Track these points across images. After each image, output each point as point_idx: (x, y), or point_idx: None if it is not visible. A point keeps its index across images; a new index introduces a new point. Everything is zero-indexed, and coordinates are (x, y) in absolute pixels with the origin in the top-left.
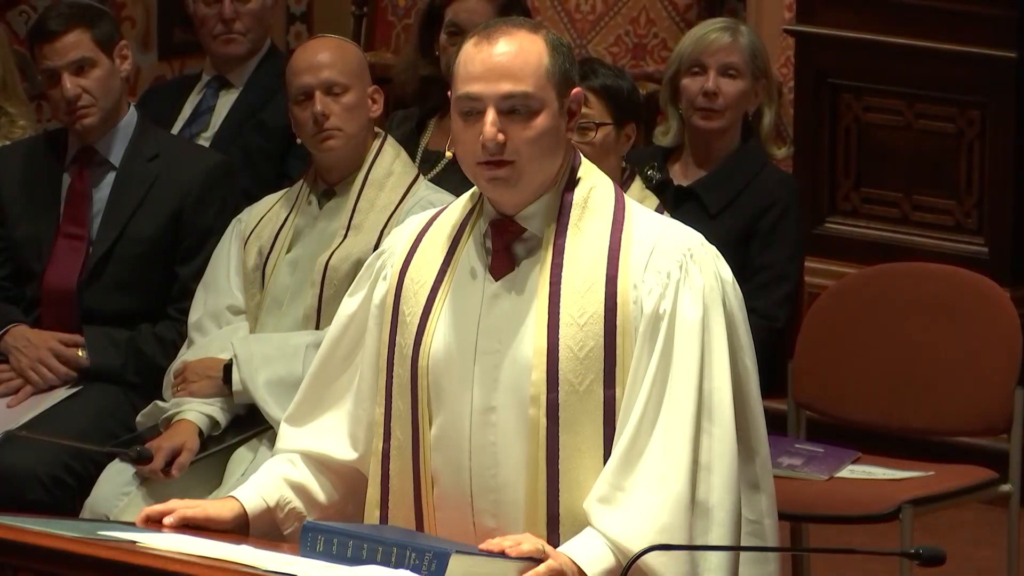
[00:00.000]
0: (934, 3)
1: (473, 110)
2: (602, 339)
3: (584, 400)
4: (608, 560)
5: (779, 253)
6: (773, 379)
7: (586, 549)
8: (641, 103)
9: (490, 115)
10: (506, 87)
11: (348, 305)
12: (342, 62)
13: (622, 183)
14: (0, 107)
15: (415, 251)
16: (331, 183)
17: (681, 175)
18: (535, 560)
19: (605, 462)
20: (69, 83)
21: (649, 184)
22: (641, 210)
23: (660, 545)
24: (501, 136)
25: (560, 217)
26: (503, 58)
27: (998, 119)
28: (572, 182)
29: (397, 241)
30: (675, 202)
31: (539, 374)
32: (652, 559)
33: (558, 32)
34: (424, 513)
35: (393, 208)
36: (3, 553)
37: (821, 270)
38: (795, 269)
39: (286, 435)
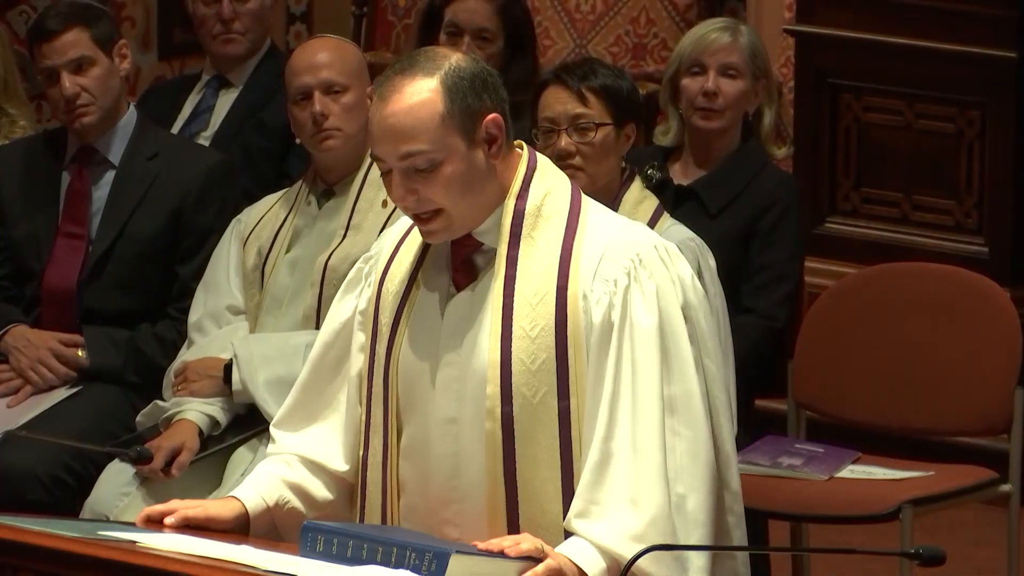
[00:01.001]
0: (934, 3)
1: (386, 169)
2: (554, 351)
3: (538, 412)
4: (603, 562)
5: (779, 253)
6: (773, 379)
7: (582, 549)
8: (641, 103)
9: (395, 177)
10: (401, 148)
11: (339, 311)
12: (341, 62)
13: (622, 183)
14: (1, 107)
15: (394, 258)
16: (330, 183)
17: (681, 175)
18: (534, 559)
19: (563, 473)
20: (68, 82)
21: (649, 184)
22: (598, 214)
23: (659, 545)
24: (410, 195)
25: (512, 228)
26: (393, 120)
27: (998, 119)
28: (524, 191)
29: (383, 246)
30: (675, 202)
31: (493, 387)
32: (645, 565)
33: (558, 32)
34: (390, 522)
35: (392, 208)
36: (3, 553)
37: (821, 270)
38: (795, 269)
39: (279, 439)
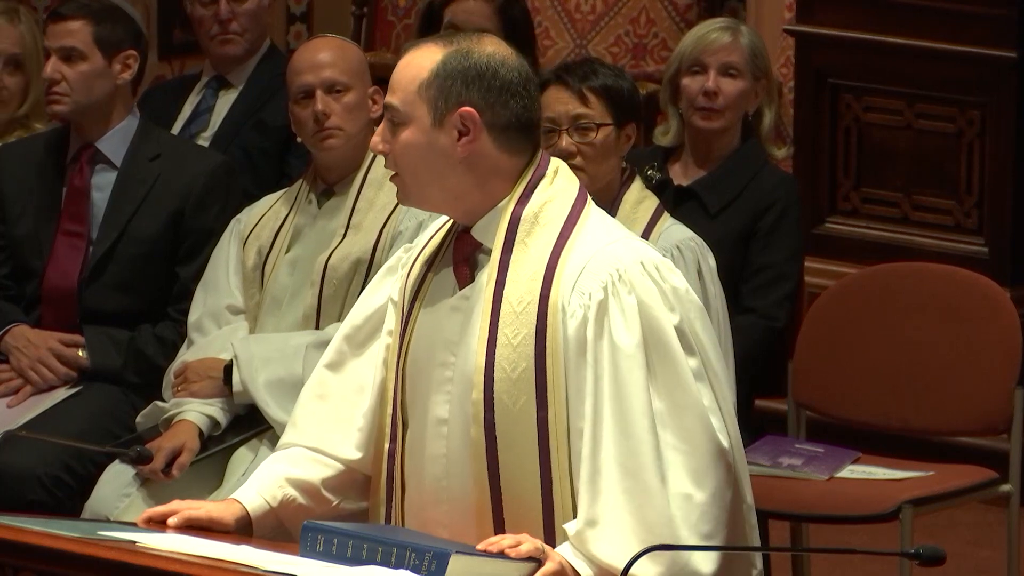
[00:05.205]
0: (934, 3)
1: None
2: (533, 360)
3: (519, 421)
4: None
5: (779, 253)
6: (773, 379)
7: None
8: (641, 103)
9: (382, 123)
10: (386, 97)
11: (372, 296)
12: (343, 62)
13: (622, 183)
14: (27, 121)
15: (421, 252)
16: (330, 182)
17: (681, 175)
18: (535, 560)
19: (542, 480)
20: (50, 66)
21: (649, 184)
22: (595, 225)
23: (659, 545)
24: (384, 146)
25: (508, 232)
26: (394, 70)
27: (998, 119)
28: (526, 196)
29: (422, 239)
30: (675, 202)
31: (478, 393)
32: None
33: (558, 32)
34: (392, 518)
35: (392, 208)
36: (3, 553)
37: (821, 270)
38: (795, 269)
39: (298, 421)
